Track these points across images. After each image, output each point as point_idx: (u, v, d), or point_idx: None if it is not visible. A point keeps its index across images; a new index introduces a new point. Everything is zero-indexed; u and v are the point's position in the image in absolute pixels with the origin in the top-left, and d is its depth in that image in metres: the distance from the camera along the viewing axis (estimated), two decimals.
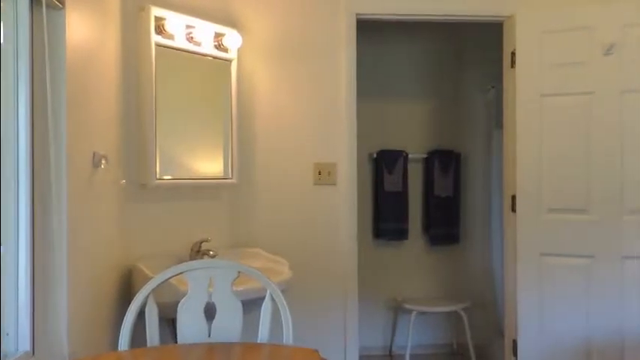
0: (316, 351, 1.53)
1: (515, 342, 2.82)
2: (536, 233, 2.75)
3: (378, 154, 3.73)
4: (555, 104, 2.73)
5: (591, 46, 2.66)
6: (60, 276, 1.62)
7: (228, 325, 1.66)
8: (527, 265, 2.77)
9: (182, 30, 2.42)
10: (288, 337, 1.65)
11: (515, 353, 2.82)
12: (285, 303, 1.67)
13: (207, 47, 2.53)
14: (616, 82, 2.63)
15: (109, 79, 2.14)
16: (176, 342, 1.69)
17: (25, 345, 1.51)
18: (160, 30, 2.35)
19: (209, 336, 1.66)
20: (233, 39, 2.61)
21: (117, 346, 1.62)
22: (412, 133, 3.81)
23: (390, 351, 3.77)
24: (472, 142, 3.85)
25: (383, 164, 3.72)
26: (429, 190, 3.79)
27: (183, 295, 1.69)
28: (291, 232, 2.84)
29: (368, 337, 3.57)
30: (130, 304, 1.65)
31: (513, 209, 2.83)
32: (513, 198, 2.83)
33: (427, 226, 3.80)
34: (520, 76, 2.79)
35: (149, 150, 2.32)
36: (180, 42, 2.42)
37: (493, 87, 3.58)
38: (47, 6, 1.54)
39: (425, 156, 3.79)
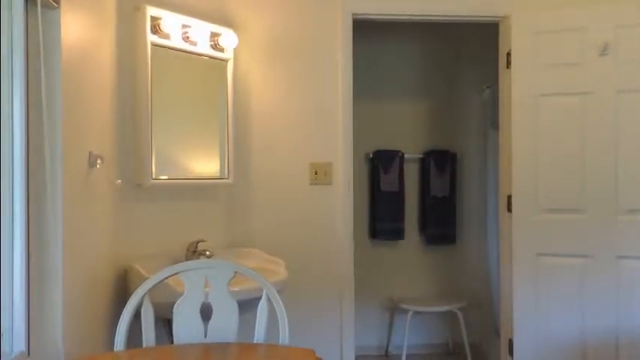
0: (312, 351, 1.53)
1: (511, 341, 2.83)
2: (532, 233, 2.76)
3: (374, 153, 3.73)
4: (551, 104, 2.74)
5: (586, 46, 2.67)
6: (55, 276, 1.61)
7: (225, 326, 1.66)
8: (522, 265, 2.78)
9: (178, 30, 2.41)
10: (284, 337, 1.65)
11: (511, 353, 2.83)
12: (281, 303, 1.67)
13: (203, 47, 2.53)
14: (611, 83, 2.65)
15: (105, 78, 2.14)
16: (172, 342, 1.69)
17: (20, 345, 1.51)
18: (155, 29, 2.35)
19: (205, 336, 1.65)
20: (229, 39, 2.60)
21: (113, 346, 1.62)
22: (408, 133, 3.81)
23: (387, 351, 3.77)
24: (468, 142, 3.85)
25: (379, 164, 3.72)
26: (425, 190, 3.79)
27: (180, 295, 1.68)
28: (288, 232, 2.84)
29: (364, 337, 3.57)
30: (125, 304, 1.65)
31: (509, 209, 2.84)
32: (509, 198, 2.84)
33: (423, 226, 3.81)
34: (515, 77, 2.80)
35: (145, 150, 2.31)
36: (176, 42, 2.42)
37: (489, 87, 3.59)
38: (42, 5, 1.54)
39: (421, 156, 3.80)
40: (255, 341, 1.66)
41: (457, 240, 3.82)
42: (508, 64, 2.85)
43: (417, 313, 3.54)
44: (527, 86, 2.78)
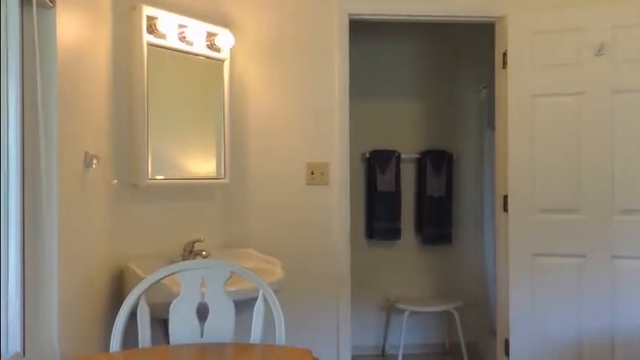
0: (309, 351, 1.53)
1: (507, 341, 2.84)
2: (528, 233, 2.77)
3: (370, 154, 3.74)
4: (547, 104, 2.75)
5: (582, 46, 2.68)
6: (51, 276, 1.61)
7: (221, 326, 1.65)
8: (518, 265, 2.78)
9: (174, 29, 2.41)
10: (280, 337, 1.64)
11: (507, 352, 2.84)
12: (277, 303, 1.67)
13: (200, 47, 2.52)
14: (607, 83, 2.65)
15: (101, 78, 2.13)
16: (168, 343, 1.69)
17: (15, 346, 1.50)
18: (151, 29, 2.34)
19: (201, 336, 1.65)
20: (225, 39, 2.60)
21: (108, 347, 1.61)
22: (405, 133, 3.82)
23: (383, 351, 3.77)
24: (464, 142, 3.86)
25: (376, 164, 3.73)
26: (421, 190, 3.80)
27: (176, 295, 1.68)
28: (284, 232, 2.84)
29: (361, 337, 3.57)
30: (121, 304, 1.64)
31: (505, 209, 2.85)
32: (505, 198, 2.85)
33: (420, 226, 3.81)
34: (512, 77, 2.80)
35: (141, 150, 2.31)
36: (172, 41, 2.41)
37: (485, 87, 3.60)
38: (37, 5, 1.53)
39: (417, 156, 3.80)
40: (251, 341, 1.66)
41: (453, 240, 3.83)
42: (504, 64, 2.86)
43: (413, 313, 3.55)
44: (524, 86, 2.78)
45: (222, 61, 2.63)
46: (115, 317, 1.62)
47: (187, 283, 1.67)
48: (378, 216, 3.72)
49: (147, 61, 2.31)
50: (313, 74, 2.87)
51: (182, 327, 1.65)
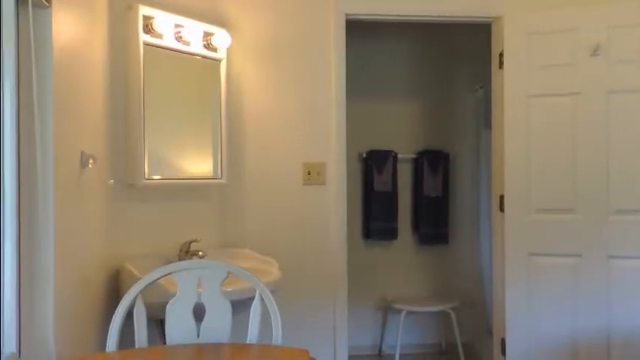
0: (306, 351, 1.53)
1: (503, 341, 2.84)
2: (525, 233, 2.78)
3: (367, 154, 3.74)
4: (543, 105, 2.76)
5: (578, 47, 2.69)
6: (46, 276, 1.60)
7: (218, 326, 1.65)
8: (515, 265, 2.79)
9: (171, 29, 2.40)
10: (277, 337, 1.65)
11: (503, 352, 2.84)
12: (274, 303, 1.67)
13: (196, 47, 2.52)
14: (602, 83, 2.66)
15: (97, 78, 2.13)
16: (165, 343, 1.68)
17: (11, 346, 1.50)
18: (148, 29, 2.34)
19: (198, 337, 1.65)
20: (222, 38, 2.60)
21: (105, 347, 1.61)
22: (401, 133, 3.82)
23: (380, 350, 3.78)
24: (461, 142, 3.87)
25: (372, 164, 3.73)
26: (418, 190, 3.80)
27: (172, 295, 1.68)
28: (281, 232, 2.84)
29: (357, 337, 3.57)
30: (117, 304, 1.64)
31: (502, 209, 2.85)
32: (501, 198, 2.85)
33: (416, 226, 3.82)
34: (508, 77, 2.81)
35: (137, 150, 2.30)
36: (168, 41, 2.41)
37: (481, 87, 3.61)
38: (33, 5, 1.53)
39: (414, 156, 3.81)
40: (248, 341, 1.66)
41: (450, 240, 3.83)
42: (501, 64, 2.86)
43: (410, 312, 3.55)
44: (520, 86, 2.79)
45: (218, 60, 2.63)
46: (111, 317, 1.62)
47: (184, 284, 1.67)
48: (374, 216, 3.72)
49: (143, 60, 2.30)
50: (310, 74, 2.87)
51: (178, 327, 1.65)
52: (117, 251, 2.27)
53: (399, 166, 3.77)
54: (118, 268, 2.24)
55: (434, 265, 3.85)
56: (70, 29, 1.81)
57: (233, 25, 2.75)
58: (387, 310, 3.76)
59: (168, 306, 1.66)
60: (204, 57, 2.57)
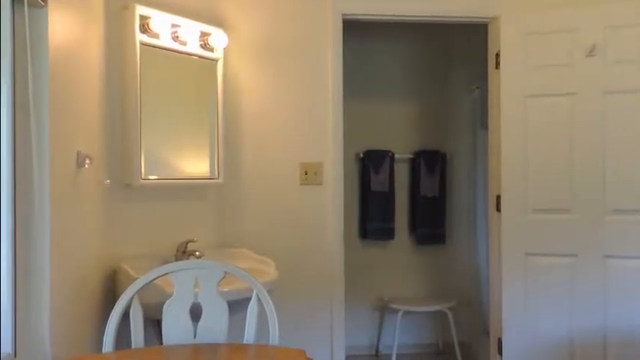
0: (303, 351, 1.53)
1: (500, 340, 2.85)
2: (521, 233, 2.78)
3: (364, 153, 3.74)
4: (539, 105, 2.76)
5: (574, 47, 2.69)
6: (42, 277, 1.60)
7: (214, 326, 1.65)
8: (511, 265, 2.79)
9: (167, 29, 2.40)
10: (274, 337, 1.64)
11: (500, 352, 2.85)
12: (271, 303, 1.67)
13: (193, 46, 2.52)
14: (598, 84, 2.67)
15: (93, 78, 2.12)
16: (161, 343, 1.68)
17: (7, 347, 1.49)
18: (144, 29, 2.33)
19: (195, 337, 1.65)
20: (219, 38, 2.59)
21: (101, 347, 1.61)
22: (398, 133, 3.82)
23: (377, 350, 3.78)
24: (458, 143, 3.87)
25: (369, 164, 3.73)
26: (415, 190, 3.80)
27: (169, 296, 1.68)
28: (278, 232, 2.84)
29: (354, 337, 3.58)
30: (114, 305, 1.64)
31: (498, 209, 2.86)
32: (498, 198, 2.86)
33: (413, 226, 3.82)
34: (504, 77, 2.81)
35: (134, 150, 2.30)
36: (165, 41, 2.40)
37: (478, 87, 3.61)
38: (29, 4, 1.52)
39: (411, 156, 3.81)
40: (245, 342, 1.66)
41: (447, 240, 3.84)
42: (497, 64, 2.87)
43: (407, 312, 3.55)
44: (516, 87, 2.79)
45: (215, 60, 2.63)
46: (108, 318, 1.61)
47: (180, 284, 1.67)
48: (371, 216, 3.72)
49: (140, 60, 2.30)
50: (307, 74, 2.87)
51: (175, 327, 1.64)
52: (113, 251, 2.26)
53: (395, 166, 3.77)
54: (114, 269, 2.24)
55: (431, 265, 3.85)
56: (66, 29, 1.80)
57: (230, 25, 2.75)
58: (384, 309, 3.76)
59: (164, 306, 1.66)
60: (201, 57, 2.57)
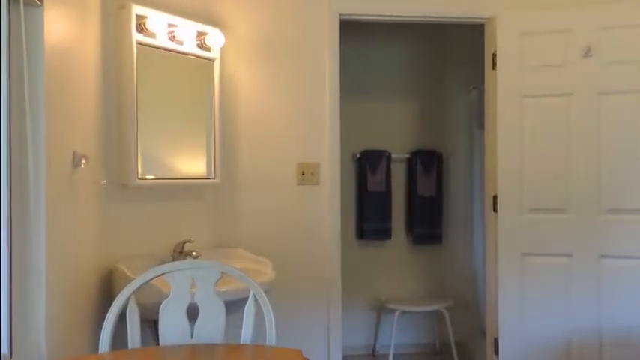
0: (300, 351, 1.53)
1: (496, 340, 2.85)
2: (517, 233, 2.79)
3: (361, 154, 3.74)
4: (536, 105, 2.77)
5: (570, 48, 2.70)
6: (39, 277, 1.59)
7: (211, 326, 1.65)
8: (508, 265, 2.80)
9: (164, 28, 2.39)
10: (271, 337, 1.64)
11: (496, 351, 2.85)
12: (268, 303, 1.67)
13: (190, 46, 2.51)
14: (594, 84, 2.68)
15: (89, 77, 2.11)
16: (158, 343, 1.68)
17: (3, 347, 1.49)
18: (141, 28, 2.33)
19: (192, 337, 1.65)
20: (216, 38, 2.59)
21: (97, 348, 1.60)
22: (395, 134, 3.83)
23: (374, 350, 3.78)
24: (454, 143, 3.88)
25: (366, 164, 3.73)
26: (412, 190, 3.81)
27: (166, 296, 1.67)
28: (275, 232, 2.84)
29: (351, 337, 3.57)
30: (110, 305, 1.63)
31: (495, 209, 2.86)
32: (495, 198, 2.86)
33: (410, 226, 3.83)
34: (501, 78, 2.82)
35: (130, 150, 2.29)
36: (162, 41, 2.40)
37: (475, 88, 3.62)
38: (25, 4, 1.52)
39: (408, 156, 3.81)
40: (242, 342, 1.66)
41: (444, 240, 3.84)
42: (494, 65, 2.87)
43: (404, 312, 3.56)
44: (513, 87, 2.80)
45: (212, 60, 2.62)
46: (104, 318, 1.61)
47: (177, 284, 1.67)
48: (368, 216, 3.73)
49: (136, 60, 2.29)
50: (304, 74, 2.87)
51: (172, 328, 1.64)
52: (110, 252, 2.26)
53: (392, 166, 3.78)
54: (111, 269, 2.23)
55: (427, 264, 3.86)
56: (62, 28, 1.80)
57: (227, 24, 2.74)
58: (380, 309, 3.76)
59: (161, 306, 1.65)
60: (197, 57, 2.56)
